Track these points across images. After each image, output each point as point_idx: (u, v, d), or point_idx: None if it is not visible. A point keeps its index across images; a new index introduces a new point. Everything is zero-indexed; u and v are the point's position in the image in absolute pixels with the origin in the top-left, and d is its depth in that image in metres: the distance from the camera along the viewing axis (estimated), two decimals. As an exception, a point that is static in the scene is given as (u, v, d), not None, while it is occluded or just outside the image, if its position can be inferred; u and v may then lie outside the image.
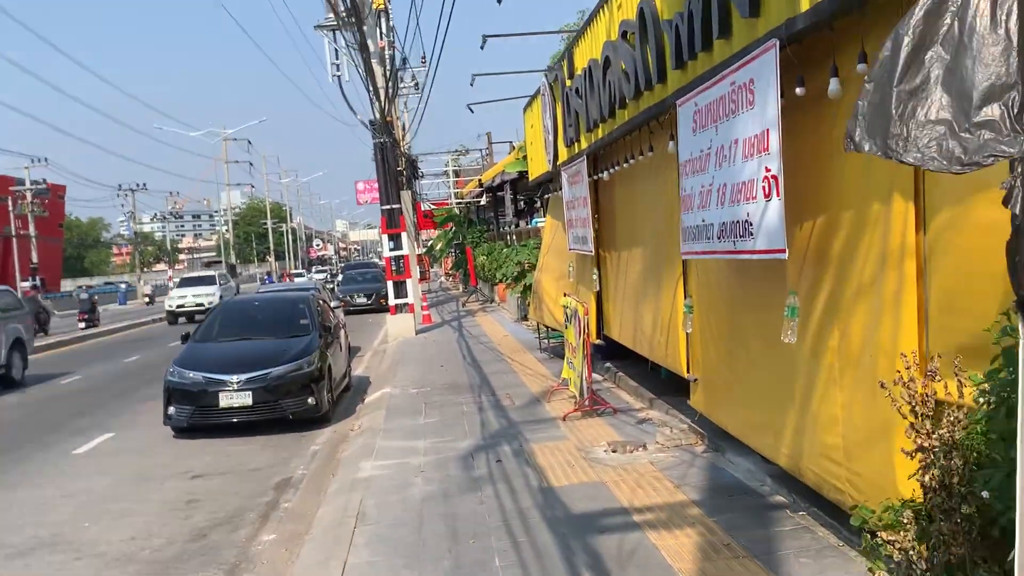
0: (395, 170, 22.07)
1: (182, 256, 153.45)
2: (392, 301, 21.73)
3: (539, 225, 22.70)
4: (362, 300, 33.80)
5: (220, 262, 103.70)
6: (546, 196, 15.95)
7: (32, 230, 59.69)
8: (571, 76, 11.18)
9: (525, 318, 22.03)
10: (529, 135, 16.06)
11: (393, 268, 21.68)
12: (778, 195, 5.03)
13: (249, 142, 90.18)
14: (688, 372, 8.08)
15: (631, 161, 9.37)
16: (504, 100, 22.59)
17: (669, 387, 10.20)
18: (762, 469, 6.76)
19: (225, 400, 11.01)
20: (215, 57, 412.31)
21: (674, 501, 6.52)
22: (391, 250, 21.60)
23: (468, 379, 13.54)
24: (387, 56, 22.20)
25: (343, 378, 13.85)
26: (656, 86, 7.58)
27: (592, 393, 9.72)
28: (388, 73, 22.01)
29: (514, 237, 29.36)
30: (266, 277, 72.60)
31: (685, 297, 7.52)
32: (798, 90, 5.16)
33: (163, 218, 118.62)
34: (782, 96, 5.02)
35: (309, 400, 11.33)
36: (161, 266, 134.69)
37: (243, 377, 11.10)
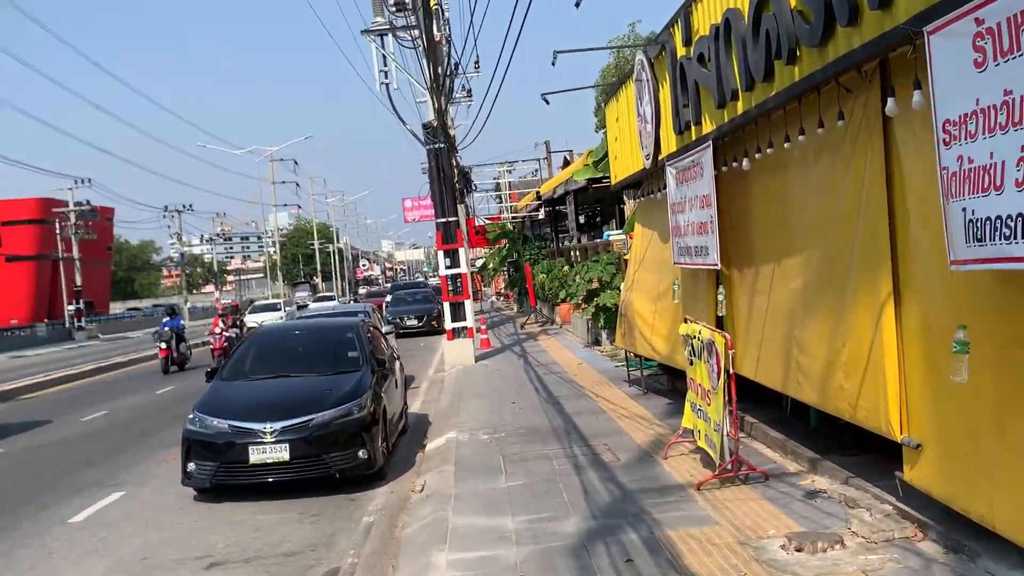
0: (451, 178, 19.86)
1: (230, 278, 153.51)
2: (449, 324, 19.45)
3: (612, 239, 20.32)
4: (413, 322, 31.65)
5: (305, 282, 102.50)
6: (635, 200, 13.57)
7: (76, 252, 58.62)
8: (688, 42, 8.83)
9: (598, 343, 19.63)
10: (613, 130, 13.72)
11: (450, 288, 19.42)
12: None
13: (295, 162, 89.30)
14: (903, 432, 5.63)
15: (790, 143, 6.98)
16: (581, 89, 20.04)
17: (825, 439, 7.76)
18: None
19: (256, 455, 8.77)
20: (259, 73, 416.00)
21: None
22: (447, 268, 19.35)
23: (549, 421, 11.17)
24: (444, 52, 20.04)
25: (399, 419, 11.57)
26: (870, 13, 5.18)
27: (737, 454, 7.29)
28: (445, 71, 19.84)
29: (578, 253, 27.01)
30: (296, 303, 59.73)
31: (958, 329, 4.87)
32: None
33: (210, 239, 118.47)
34: None
35: (360, 453, 9.05)
36: (209, 287, 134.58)
37: (278, 426, 8.85)
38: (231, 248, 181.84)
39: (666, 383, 12.69)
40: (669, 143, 10.17)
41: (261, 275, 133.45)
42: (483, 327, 23.61)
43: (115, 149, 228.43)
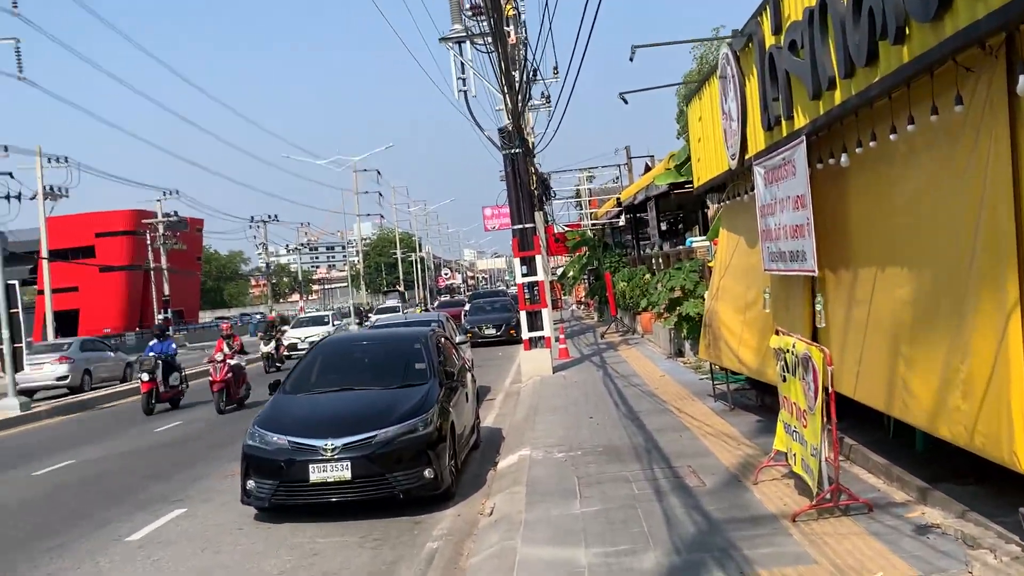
0: (528, 184, 19.34)
1: (316, 287, 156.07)
2: (525, 334, 18.90)
3: (695, 245, 19.51)
4: (491, 331, 31.23)
5: (394, 291, 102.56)
6: (719, 205, 12.82)
7: (164, 263, 60.03)
8: (778, 30, 8.10)
9: (680, 353, 18.84)
10: (696, 130, 12.99)
11: (526, 296, 18.86)
12: None
13: (378, 172, 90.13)
14: (1040, 466, 4.84)
15: (896, 134, 6.22)
16: (661, 88, 19.35)
17: (934, 465, 6.93)
18: None
19: (317, 473, 8.33)
20: (339, 85, 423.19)
21: None
22: (524, 276, 18.81)
23: (629, 439, 10.49)
24: (519, 55, 19.55)
25: (470, 434, 11.05)
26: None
27: (837, 482, 6.53)
28: (521, 73, 19.36)
29: (660, 261, 26.20)
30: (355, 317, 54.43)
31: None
32: None
33: (296, 249, 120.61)
34: None
35: (426, 472, 8.54)
36: (296, 296, 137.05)
37: (339, 442, 8.40)
38: (316, 257, 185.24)
39: (754, 398, 11.89)
40: (757, 141, 9.44)
41: (345, 284, 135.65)
42: (561, 336, 23.02)
43: (202, 161, 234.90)
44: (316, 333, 31.48)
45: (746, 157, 9.91)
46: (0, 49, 40.70)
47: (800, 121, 7.88)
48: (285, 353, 28.99)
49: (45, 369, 25.80)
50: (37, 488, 11.52)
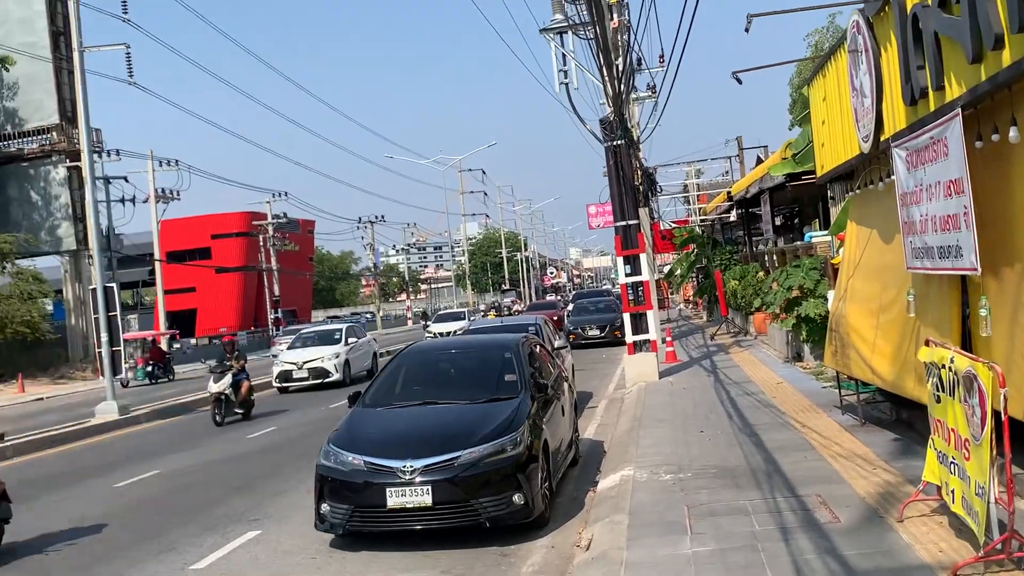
0: (631, 178, 18.24)
1: (423, 286, 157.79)
2: (630, 337, 17.78)
3: (815, 240, 18.02)
4: (594, 332, 30.15)
5: (511, 289, 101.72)
6: (846, 195, 11.47)
7: (274, 263, 61.04)
8: (923, -15, 6.85)
9: (799, 358, 17.42)
10: (819, 112, 11.68)
11: (630, 297, 17.76)
12: None
13: (483, 172, 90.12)
14: None
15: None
16: (778, 65, 17.90)
17: None
18: None
19: (395, 498, 7.50)
20: (441, 82, 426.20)
21: None
22: (627, 275, 17.70)
23: (745, 458, 9.34)
24: (621, 40, 18.46)
25: (568, 449, 10.09)
26: None
27: (1012, 529, 5.29)
28: (624, 61, 18.27)
29: (774, 258, 24.66)
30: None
31: None
32: None
33: (405, 249, 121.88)
34: None
35: (515, 498, 7.62)
36: (403, 296, 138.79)
37: (419, 464, 7.56)
38: (424, 257, 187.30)
39: (888, 411, 10.55)
40: (896, 119, 8.16)
41: (452, 283, 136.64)
42: (668, 339, 21.81)
43: (310, 162, 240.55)
44: (317, 356, 24.05)
45: (882, 139, 8.64)
46: (111, 55, 41.87)
47: (954, 91, 6.61)
48: (251, 396, 18.56)
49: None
50: (114, 502, 11.09)
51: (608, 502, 8.41)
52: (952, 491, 5.90)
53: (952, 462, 5.88)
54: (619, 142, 17.46)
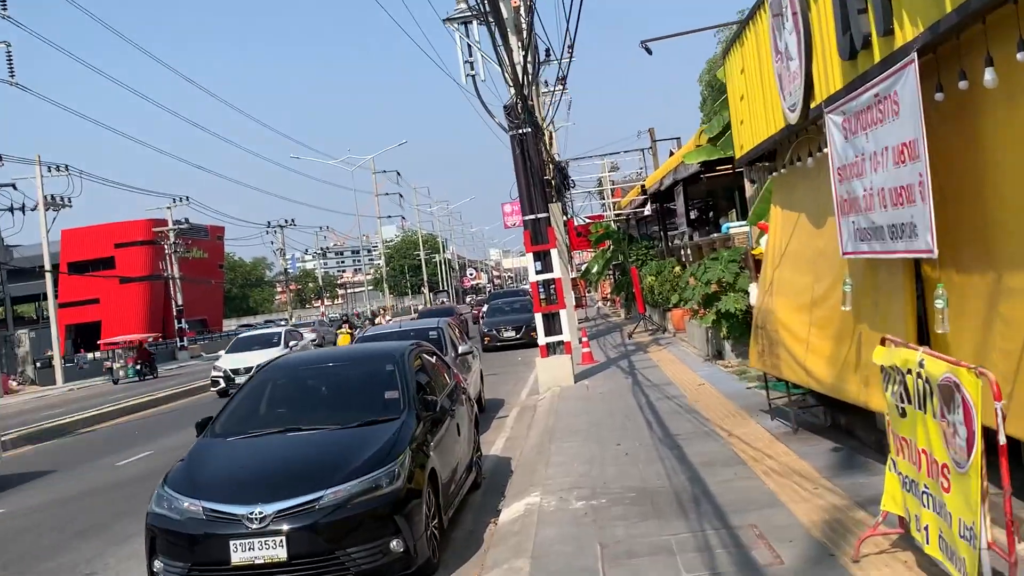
0: (540, 168, 16.99)
1: (342, 291, 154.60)
2: (542, 339, 16.54)
3: (732, 231, 17.05)
4: (510, 334, 28.88)
5: (444, 291, 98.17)
6: (769, 176, 10.38)
7: (176, 271, 58.23)
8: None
9: (720, 356, 16.41)
10: (737, 86, 10.57)
11: (541, 296, 16.51)
12: None
13: (398, 173, 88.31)
14: None
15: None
16: (690, 33, 16.79)
17: None
18: None
19: (241, 553, 6.03)
20: (347, 80, 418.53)
21: None
22: (538, 272, 16.46)
23: (668, 477, 8.12)
24: (525, 21, 17.19)
25: (466, 474, 8.73)
26: None
27: (1011, 582, 4.13)
28: (526, 42, 17.01)
29: (689, 252, 23.75)
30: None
31: None
32: None
33: (320, 253, 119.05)
34: None
35: (393, 544, 6.23)
36: (325, 301, 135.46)
37: (271, 509, 6.09)
38: (342, 262, 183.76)
39: (823, 416, 9.47)
40: (830, 80, 7.03)
41: (370, 288, 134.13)
42: (584, 339, 20.64)
43: (211, 165, 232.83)
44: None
45: (812, 105, 7.51)
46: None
47: (907, 33, 5.44)
48: None
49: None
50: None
51: (509, 540, 7.06)
52: (925, 528, 4.71)
53: (925, 492, 4.70)
54: (525, 130, 16.19)
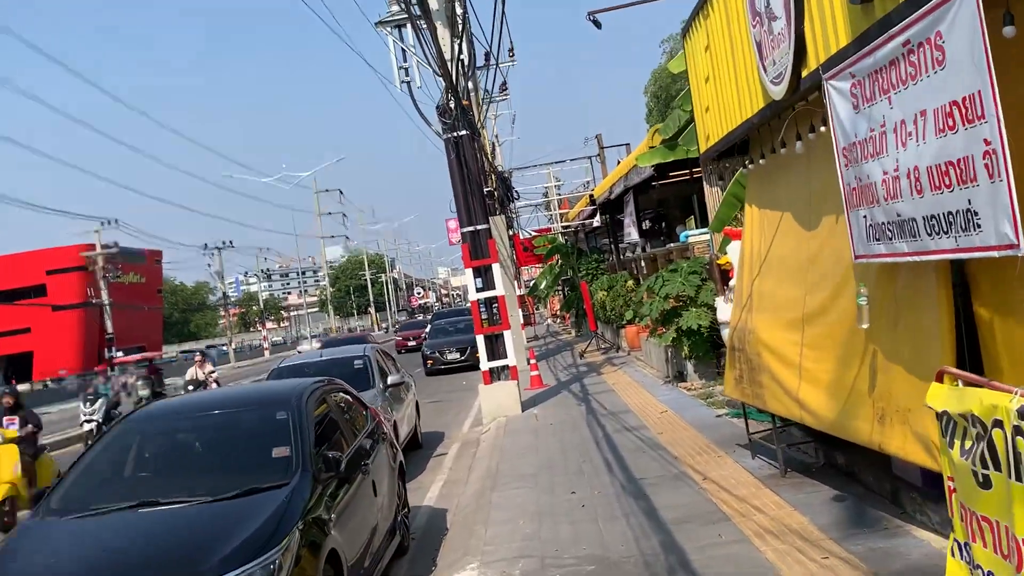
0: (478, 174, 15.42)
1: (289, 313, 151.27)
2: (484, 364, 14.91)
3: (691, 240, 15.61)
4: (454, 356, 27.14)
5: (405, 310, 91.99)
6: (744, 169, 8.89)
7: (105, 297, 55.48)
8: None
9: (681, 377, 14.92)
10: (699, 67, 9.10)
11: (483, 316, 14.90)
12: None
13: (341, 191, 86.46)
14: None
15: None
16: (642, 3, 15.36)
17: None
18: None
19: None
20: (279, 95, 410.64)
21: None
22: (479, 290, 14.85)
23: (635, 542, 6.53)
24: (457, 14, 15.63)
25: (388, 539, 7.04)
26: None
27: None
28: (460, 30, 15.46)
29: (643, 264, 22.36)
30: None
31: None
32: None
33: (265, 275, 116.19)
34: None
35: (270, 669, 4.53)
36: (270, 324, 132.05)
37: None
38: (287, 284, 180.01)
39: (815, 454, 7.98)
40: (830, 36, 5.54)
41: (316, 310, 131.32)
42: (533, 361, 19.06)
43: (142, 187, 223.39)
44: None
45: (804, 73, 6.03)
46: None
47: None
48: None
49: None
50: None
51: (434, 640, 5.41)
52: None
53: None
54: (460, 132, 14.61)
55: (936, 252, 4.40)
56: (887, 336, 5.43)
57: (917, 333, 5.07)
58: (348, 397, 7.60)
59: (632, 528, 6.91)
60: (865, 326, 5.50)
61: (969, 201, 3.99)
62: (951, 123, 4.02)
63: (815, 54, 5.79)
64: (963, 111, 3.91)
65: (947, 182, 4.14)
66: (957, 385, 3.58)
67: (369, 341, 18.05)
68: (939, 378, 3.73)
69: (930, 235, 4.40)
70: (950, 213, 4.17)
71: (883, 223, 4.94)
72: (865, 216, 5.18)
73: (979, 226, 3.95)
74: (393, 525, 7.35)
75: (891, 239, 4.86)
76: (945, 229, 4.24)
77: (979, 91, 3.78)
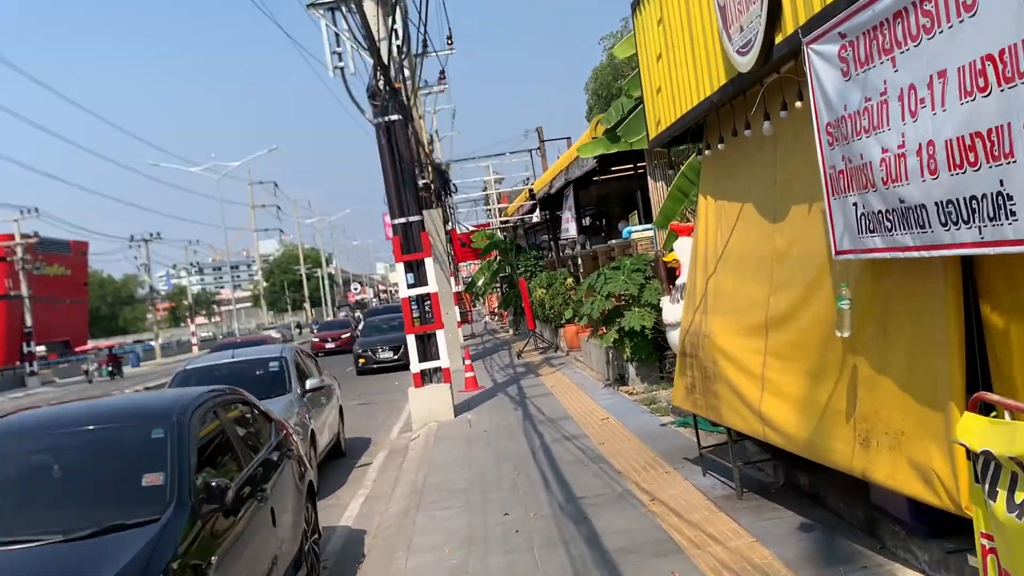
0: (411, 163, 14.43)
1: (221, 308, 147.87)
2: (415, 366, 13.95)
3: (635, 236, 14.83)
4: (387, 355, 26.06)
5: (347, 305, 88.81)
6: (698, 156, 8.08)
7: (25, 290, 52.99)
8: None
9: (622, 380, 14.15)
10: (651, 44, 8.26)
11: (414, 314, 13.93)
12: None
13: (276, 184, 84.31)
14: None
15: None
16: None
17: None
18: None
19: None
20: (199, 82, 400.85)
21: None
22: (410, 286, 13.87)
23: (576, 577, 5.67)
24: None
25: (290, 573, 6.06)
26: None
27: None
28: (393, 8, 14.46)
29: (581, 262, 21.59)
30: None
31: None
32: None
33: (196, 269, 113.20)
34: None
35: None
36: (202, 320, 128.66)
37: None
38: (220, 278, 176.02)
39: (774, 472, 7.21)
40: (812, -6, 4.73)
41: (249, 304, 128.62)
42: (468, 361, 18.12)
43: (65, 175, 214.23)
44: None
45: (778, 40, 5.21)
46: None
47: None
48: None
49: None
50: None
51: None
52: None
53: None
54: (391, 116, 13.62)
55: (952, 246, 3.60)
56: (874, 346, 4.64)
57: (914, 343, 4.28)
58: (249, 409, 6.58)
59: (572, 559, 6.04)
60: (846, 334, 4.70)
61: (1001, 182, 3.18)
62: (982, 84, 3.21)
63: (793, 15, 4.97)
64: (1000, 68, 3.10)
65: (972, 159, 3.33)
66: (1000, 422, 2.76)
67: (269, 343, 16.67)
68: (972, 406, 2.91)
69: (944, 225, 3.59)
70: (974, 198, 3.36)
71: (880, 212, 4.13)
72: (856, 204, 4.37)
73: (1013, 213, 3.14)
74: (299, 556, 6.36)
75: (891, 231, 4.05)
76: (966, 218, 3.44)
77: (1014, 44, 2.97)
